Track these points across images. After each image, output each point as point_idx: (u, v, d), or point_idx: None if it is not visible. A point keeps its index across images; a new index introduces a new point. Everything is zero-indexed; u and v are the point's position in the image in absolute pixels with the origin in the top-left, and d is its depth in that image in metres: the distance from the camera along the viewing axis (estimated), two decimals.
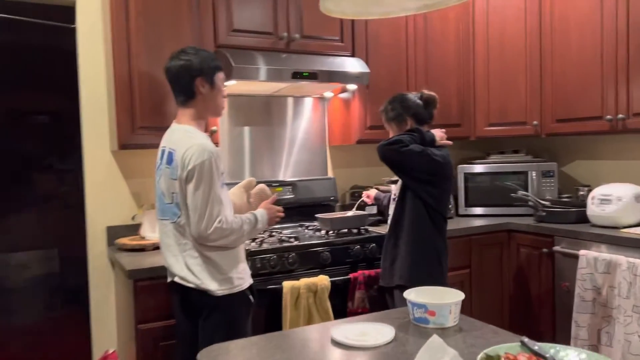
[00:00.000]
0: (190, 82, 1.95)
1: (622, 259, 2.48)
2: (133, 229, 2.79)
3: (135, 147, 2.56)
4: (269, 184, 3.04)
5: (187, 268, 1.94)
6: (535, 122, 3.29)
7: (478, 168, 3.43)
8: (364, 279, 2.57)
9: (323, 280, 2.46)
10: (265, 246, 2.50)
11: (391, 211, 2.49)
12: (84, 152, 2.75)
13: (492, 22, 3.37)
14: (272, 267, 2.45)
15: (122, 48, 2.48)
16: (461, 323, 1.44)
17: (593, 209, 2.82)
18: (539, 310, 3.01)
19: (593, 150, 3.35)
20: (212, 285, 1.92)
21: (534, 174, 3.31)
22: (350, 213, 2.86)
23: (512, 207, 3.34)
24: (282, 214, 2.14)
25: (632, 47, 2.76)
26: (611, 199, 2.76)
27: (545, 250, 2.93)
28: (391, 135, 2.44)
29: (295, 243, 2.57)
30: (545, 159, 3.44)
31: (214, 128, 2.67)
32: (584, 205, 3.03)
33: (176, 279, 1.99)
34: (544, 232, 2.95)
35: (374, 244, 2.69)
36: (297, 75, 2.69)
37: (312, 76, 2.72)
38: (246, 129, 3.13)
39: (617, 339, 2.48)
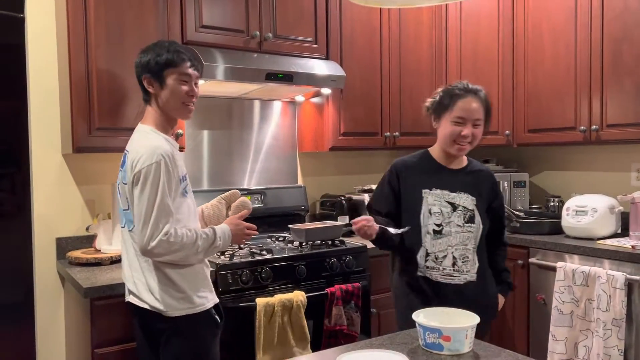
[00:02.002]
0: (140, 81, 1.80)
1: (602, 271, 2.45)
2: (87, 241, 2.53)
3: (92, 151, 2.32)
4: None
5: (142, 284, 1.74)
6: (507, 132, 3.25)
7: None
8: (341, 294, 2.42)
9: (299, 296, 2.30)
10: (236, 260, 2.31)
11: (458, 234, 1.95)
12: (32, 155, 2.48)
13: (466, 32, 3.32)
14: (243, 282, 2.26)
15: (79, 40, 2.24)
16: (476, 348, 1.31)
17: (568, 220, 2.79)
18: (512, 323, 2.95)
19: (563, 161, 3.35)
20: (169, 305, 1.71)
21: (505, 184, 3.27)
22: (323, 224, 2.72)
23: None
24: (253, 232, 1.91)
25: (606, 58, 2.77)
26: (586, 210, 2.74)
27: (520, 262, 2.88)
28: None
29: (269, 256, 2.39)
30: (515, 169, 3.42)
31: (179, 131, 2.46)
32: (557, 216, 3.02)
33: (129, 298, 1.80)
34: (519, 243, 2.90)
35: (350, 256, 2.55)
36: (271, 77, 2.53)
37: (287, 78, 2.57)
38: (206, 132, 2.92)
39: (596, 352, 2.44)
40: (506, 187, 3.26)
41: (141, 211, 1.66)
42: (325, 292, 2.41)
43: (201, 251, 1.73)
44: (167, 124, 1.83)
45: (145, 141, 1.73)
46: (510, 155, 3.59)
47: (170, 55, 1.77)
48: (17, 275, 2.64)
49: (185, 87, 1.78)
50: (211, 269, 2.12)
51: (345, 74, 2.77)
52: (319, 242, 2.62)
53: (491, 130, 3.28)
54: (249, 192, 2.94)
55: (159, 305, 1.71)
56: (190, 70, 1.79)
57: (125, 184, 1.75)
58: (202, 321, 1.77)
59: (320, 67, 2.73)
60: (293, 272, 2.39)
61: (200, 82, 2.43)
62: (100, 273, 2.19)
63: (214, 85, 2.60)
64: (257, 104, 3.08)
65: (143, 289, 1.74)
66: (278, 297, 2.26)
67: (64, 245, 2.50)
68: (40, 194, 2.48)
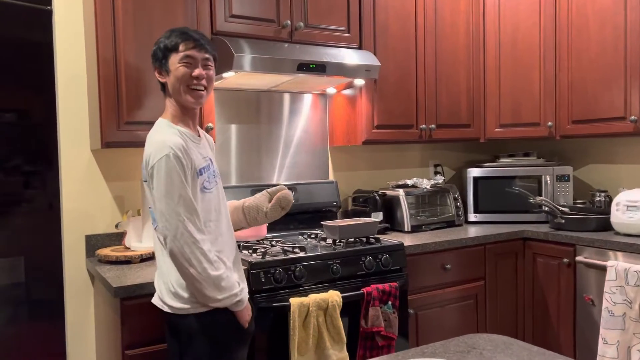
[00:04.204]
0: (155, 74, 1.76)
1: None
2: (116, 238, 2.48)
3: (121, 145, 2.26)
4: (265, 187, 2.76)
5: (165, 285, 1.69)
6: (549, 123, 3.09)
7: (488, 172, 3.21)
8: (378, 294, 2.31)
9: (334, 296, 2.20)
10: (268, 258, 2.22)
11: None
12: (60, 151, 2.43)
13: (504, 16, 3.16)
14: (277, 281, 2.17)
15: (107, 33, 2.18)
16: (531, 354, 1.18)
17: (618, 216, 2.63)
18: (558, 325, 2.80)
19: (610, 153, 3.16)
20: (190, 302, 1.65)
21: (548, 178, 3.11)
22: (357, 220, 2.61)
23: (523, 213, 3.14)
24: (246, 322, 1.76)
25: None
26: (639, 205, 2.57)
27: (565, 260, 2.73)
28: None
29: (302, 254, 2.29)
30: (557, 162, 3.25)
31: (209, 125, 2.38)
32: (604, 212, 2.86)
33: (153, 299, 1.75)
34: (564, 240, 2.74)
35: (386, 255, 2.44)
36: (303, 67, 2.42)
37: (320, 68, 2.46)
38: (234, 127, 2.84)
39: None
40: (549, 181, 3.10)
41: (161, 209, 1.59)
42: (361, 291, 2.30)
43: (208, 280, 1.60)
44: (183, 115, 1.75)
45: (156, 135, 1.67)
46: (551, 148, 3.42)
47: (172, 39, 1.70)
48: (48, 273, 2.62)
49: (186, 69, 1.69)
50: (244, 267, 2.05)
51: (379, 64, 2.65)
52: (352, 239, 2.51)
53: (532, 122, 3.13)
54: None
55: (180, 305, 1.66)
56: (194, 52, 1.69)
57: (145, 181, 1.69)
58: (225, 321, 1.70)
59: (353, 56, 2.62)
60: (327, 271, 2.29)
61: (230, 73, 2.36)
62: (130, 272, 2.13)
63: (244, 77, 2.51)
64: (286, 96, 2.99)
65: (165, 291, 1.69)
66: (312, 297, 2.17)
67: (93, 243, 2.45)
68: (70, 190, 2.43)
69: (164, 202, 1.59)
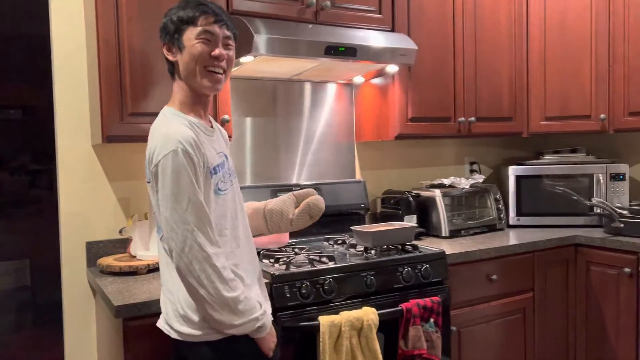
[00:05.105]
0: (163, 52, 1.46)
1: None
2: (120, 245, 2.20)
3: (124, 140, 1.98)
4: (284, 188, 2.48)
5: (172, 305, 1.42)
6: (602, 116, 2.76)
7: (532, 170, 2.89)
8: (418, 311, 2.01)
9: (369, 314, 1.90)
10: (293, 269, 1.93)
11: None
12: (58, 146, 2.16)
13: None
14: (303, 296, 1.88)
15: (108, 12, 1.90)
16: None
17: None
18: (617, 343, 2.48)
19: None
20: (201, 327, 1.37)
21: (601, 176, 2.78)
22: (390, 225, 2.31)
23: (571, 216, 2.82)
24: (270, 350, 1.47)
25: None
26: None
27: (627, 270, 2.41)
28: None
29: (331, 264, 2.00)
30: (610, 159, 2.92)
31: (225, 117, 2.09)
32: None
33: (158, 323, 1.47)
34: (625, 247, 2.42)
35: (426, 265, 2.14)
36: (332, 51, 2.12)
37: (350, 52, 2.16)
38: (249, 120, 2.54)
39: None
40: (602, 180, 2.78)
41: (167, 216, 1.32)
42: (400, 308, 2.00)
43: (222, 303, 1.32)
44: (195, 103, 1.46)
45: (162, 127, 1.39)
46: (602, 143, 3.08)
47: (188, 10, 1.40)
48: (49, 282, 2.36)
49: (205, 47, 1.40)
50: (265, 280, 1.76)
51: (416, 47, 2.35)
52: (385, 247, 2.21)
53: (583, 114, 2.81)
54: (301, 189, 2.55)
55: (190, 330, 1.38)
56: (215, 27, 1.41)
57: (149, 182, 1.41)
58: (245, 348, 1.42)
59: (387, 39, 2.32)
60: (361, 284, 2.00)
61: (248, 58, 2.07)
62: (135, 285, 1.85)
63: (263, 63, 2.22)
64: (307, 86, 2.69)
65: (173, 313, 1.41)
66: (345, 315, 1.87)
67: (94, 251, 2.17)
68: (68, 191, 2.16)
69: (170, 208, 1.31)
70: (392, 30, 2.47)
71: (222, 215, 1.44)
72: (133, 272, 1.99)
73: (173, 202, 1.31)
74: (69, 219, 2.15)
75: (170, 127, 1.38)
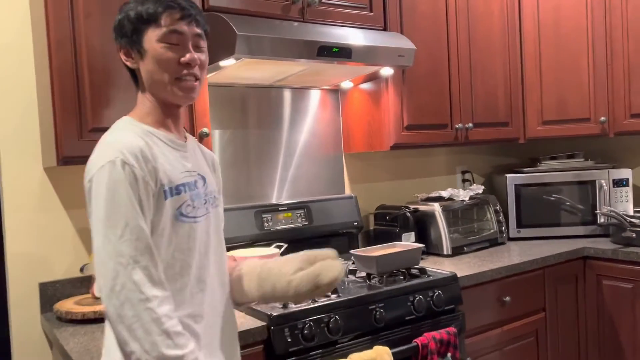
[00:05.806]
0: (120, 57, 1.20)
1: None
2: (82, 286, 1.86)
3: (84, 162, 1.65)
4: (262, 208, 2.19)
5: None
6: (602, 119, 2.60)
7: (531, 178, 2.71)
8: (435, 346, 1.76)
9: (383, 355, 1.63)
10: (292, 307, 1.65)
11: None
12: (1, 172, 1.80)
13: None
14: (306, 339, 1.60)
15: (60, 7, 1.58)
16: None
17: None
18: (633, 359, 2.31)
19: None
20: None
21: (603, 182, 2.62)
22: (392, 246, 2.06)
23: (574, 226, 2.66)
24: None
25: None
26: None
27: None
28: None
29: (335, 298, 1.72)
30: (610, 163, 2.77)
31: (204, 130, 1.80)
32: None
33: None
34: (638, 259, 2.26)
35: (438, 291, 1.89)
36: (324, 52, 1.86)
37: (344, 53, 1.91)
38: (218, 132, 2.23)
39: None
40: (604, 186, 2.62)
41: (98, 245, 1.03)
42: (415, 344, 1.75)
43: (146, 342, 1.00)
44: (162, 114, 1.18)
45: (107, 136, 1.12)
46: (602, 147, 2.93)
47: (148, 5, 1.12)
48: None
49: (172, 54, 1.12)
50: (263, 323, 1.48)
51: (415, 47, 2.11)
52: (388, 272, 1.95)
53: (582, 117, 2.65)
54: (289, 208, 2.28)
55: None
56: (182, 26, 1.13)
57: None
58: None
59: (383, 39, 2.08)
60: (369, 319, 1.73)
61: (229, 61, 1.78)
62: (101, 335, 1.52)
63: (244, 67, 1.93)
64: (287, 93, 2.41)
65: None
66: (355, 358, 1.60)
67: (50, 293, 1.82)
68: (15, 226, 1.80)
69: (102, 235, 1.02)
70: (385, 29, 2.23)
71: (186, 249, 1.13)
72: (98, 319, 1.66)
73: (105, 228, 1.02)
74: (17, 258, 1.80)
75: (117, 135, 1.10)
